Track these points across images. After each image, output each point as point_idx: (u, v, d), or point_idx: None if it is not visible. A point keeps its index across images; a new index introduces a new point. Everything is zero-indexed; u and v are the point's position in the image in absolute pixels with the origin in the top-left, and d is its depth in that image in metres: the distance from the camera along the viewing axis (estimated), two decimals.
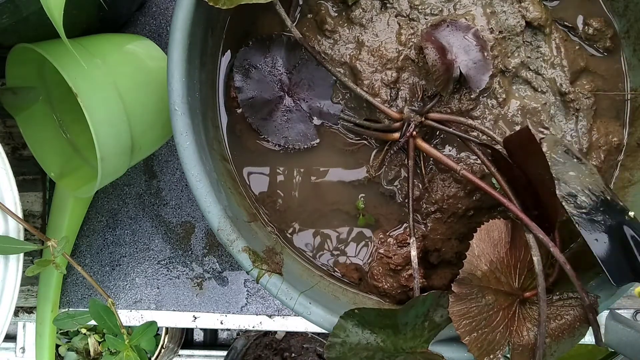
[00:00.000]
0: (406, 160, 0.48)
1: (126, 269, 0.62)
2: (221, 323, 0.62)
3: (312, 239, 0.51)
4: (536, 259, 0.41)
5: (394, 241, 0.50)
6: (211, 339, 1.01)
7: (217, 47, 0.50)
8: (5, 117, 0.58)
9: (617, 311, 0.58)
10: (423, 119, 0.46)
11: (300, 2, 0.50)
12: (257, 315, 0.62)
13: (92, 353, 0.82)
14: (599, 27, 0.49)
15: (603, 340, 0.42)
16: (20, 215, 0.44)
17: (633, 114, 0.50)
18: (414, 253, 0.46)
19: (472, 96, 0.48)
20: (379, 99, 0.48)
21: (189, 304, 0.62)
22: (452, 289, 0.41)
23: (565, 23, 0.50)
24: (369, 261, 0.51)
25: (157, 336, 0.81)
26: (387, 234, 0.50)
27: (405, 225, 0.50)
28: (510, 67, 0.48)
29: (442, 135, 0.49)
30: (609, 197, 0.29)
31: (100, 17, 0.54)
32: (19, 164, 0.60)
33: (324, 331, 0.44)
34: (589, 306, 0.41)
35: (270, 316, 0.62)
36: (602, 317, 0.57)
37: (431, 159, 0.49)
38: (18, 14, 0.42)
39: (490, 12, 0.48)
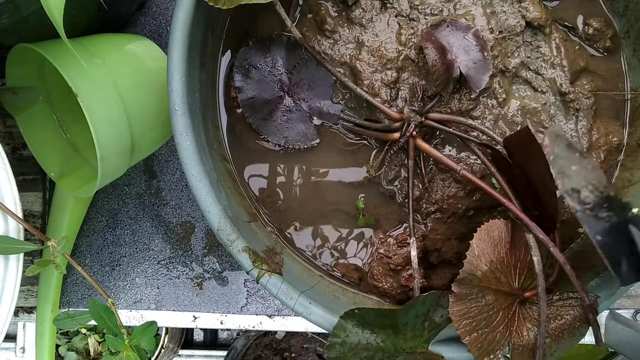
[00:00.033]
0: (406, 160, 0.48)
1: (126, 269, 0.62)
2: (221, 323, 0.62)
3: (312, 239, 0.51)
4: (536, 259, 0.41)
5: (394, 241, 0.50)
6: (211, 339, 1.01)
7: (217, 47, 0.50)
8: (5, 117, 0.58)
9: (617, 311, 0.58)
10: (423, 119, 0.46)
11: (300, 2, 0.50)
12: (257, 315, 0.62)
13: (92, 353, 0.82)
14: (599, 27, 0.49)
15: (603, 340, 0.42)
16: (20, 215, 0.44)
17: (633, 114, 0.50)
18: (414, 253, 0.46)
19: (472, 96, 0.48)
20: (379, 99, 0.48)
21: (189, 304, 0.62)
22: (452, 289, 0.41)
23: (565, 23, 0.50)
24: (369, 261, 0.51)
25: (157, 336, 0.81)
26: (387, 234, 0.50)
27: (405, 225, 0.50)
28: (510, 67, 0.48)
29: (442, 135, 0.49)
30: (612, 193, 0.29)
31: (100, 17, 0.54)
32: (19, 164, 0.60)
33: (324, 331, 0.44)
34: (589, 306, 0.41)
35: (270, 316, 0.62)
36: (602, 317, 0.57)
37: (431, 159, 0.49)
38: (18, 14, 0.42)
39: (490, 12, 0.48)
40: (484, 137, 0.47)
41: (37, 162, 0.57)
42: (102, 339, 0.82)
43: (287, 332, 0.91)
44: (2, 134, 0.59)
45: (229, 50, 0.51)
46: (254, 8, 0.44)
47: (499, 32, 0.48)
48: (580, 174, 0.27)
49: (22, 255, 0.45)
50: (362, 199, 0.50)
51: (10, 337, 0.63)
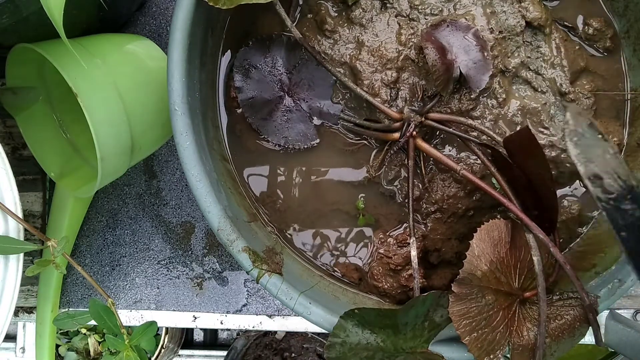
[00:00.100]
0: (406, 160, 0.48)
1: (126, 269, 0.62)
2: (221, 323, 0.62)
3: (312, 239, 0.51)
4: (536, 259, 0.41)
5: (394, 241, 0.50)
6: (211, 339, 1.01)
7: (217, 47, 0.50)
8: (5, 117, 0.58)
9: (617, 311, 0.58)
10: (423, 119, 0.46)
11: (300, 2, 0.50)
12: (257, 315, 0.62)
13: (92, 353, 0.82)
14: (599, 27, 0.49)
15: (603, 340, 0.42)
16: (20, 215, 0.44)
17: (633, 114, 0.50)
18: (414, 253, 0.46)
19: (472, 96, 0.48)
20: (379, 99, 0.48)
21: (189, 304, 0.62)
22: (452, 289, 0.41)
23: (565, 23, 0.50)
24: (369, 261, 0.51)
25: (157, 336, 0.81)
26: (387, 234, 0.50)
27: (405, 225, 0.50)
28: (510, 67, 0.48)
29: (442, 135, 0.49)
30: (634, 184, 0.27)
31: (100, 17, 0.54)
32: (19, 164, 0.60)
33: (324, 331, 0.44)
34: (589, 306, 0.41)
35: (270, 316, 0.62)
36: (602, 317, 0.57)
37: (431, 159, 0.49)
38: (18, 14, 0.42)
39: (490, 12, 0.48)
40: (484, 137, 0.47)
41: (37, 162, 0.57)
42: (102, 339, 0.82)
43: (287, 332, 0.91)
44: (2, 134, 0.59)
45: (229, 50, 0.51)
46: (254, 8, 0.44)
47: (499, 32, 0.48)
48: (603, 159, 0.25)
49: (22, 255, 0.45)
50: (362, 199, 0.50)
51: (10, 337, 0.63)
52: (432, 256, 0.50)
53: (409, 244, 0.48)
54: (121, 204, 0.62)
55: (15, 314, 0.63)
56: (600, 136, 0.29)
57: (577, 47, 0.49)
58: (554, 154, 0.48)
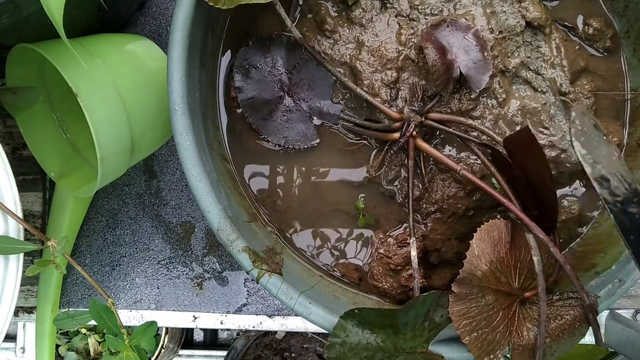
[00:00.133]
0: (406, 160, 0.48)
1: (126, 269, 0.62)
2: (221, 323, 0.62)
3: (312, 239, 0.51)
4: (536, 259, 0.41)
5: (394, 241, 0.50)
6: (211, 339, 1.01)
7: (217, 47, 0.50)
8: (5, 117, 0.58)
9: (617, 311, 0.58)
10: (423, 119, 0.46)
11: (300, 2, 0.50)
12: (257, 315, 0.62)
13: (92, 353, 0.82)
14: (599, 27, 0.49)
15: (603, 340, 0.42)
16: (20, 215, 0.44)
17: (633, 114, 0.50)
18: (414, 253, 0.46)
19: (472, 96, 0.48)
20: (379, 99, 0.48)
21: (189, 304, 0.62)
22: (452, 289, 0.41)
23: (565, 23, 0.50)
24: (369, 261, 0.51)
25: (157, 336, 0.81)
26: (387, 234, 0.50)
27: (405, 225, 0.50)
28: (510, 67, 0.48)
29: (442, 135, 0.49)
30: (639, 187, 0.27)
31: (100, 17, 0.54)
32: (19, 164, 0.60)
33: (324, 331, 0.44)
34: (589, 306, 0.41)
35: (270, 316, 0.62)
36: (602, 317, 0.57)
37: (431, 159, 0.49)
38: (18, 14, 0.42)
39: (490, 12, 0.48)
40: (484, 137, 0.47)
41: (37, 162, 0.57)
42: (102, 339, 0.82)
43: (287, 332, 0.91)
44: (2, 134, 0.59)
45: (229, 50, 0.51)
46: (254, 8, 0.44)
47: (499, 32, 0.48)
48: (609, 160, 0.25)
49: (22, 255, 0.45)
50: (362, 199, 0.50)
51: (10, 337, 0.63)
52: (432, 256, 0.50)
53: (409, 244, 0.48)
54: (121, 204, 0.62)
55: (15, 314, 0.63)
56: (605, 139, 0.29)
57: (577, 47, 0.49)
58: (554, 154, 0.48)
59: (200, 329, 1.00)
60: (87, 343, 0.82)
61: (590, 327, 0.42)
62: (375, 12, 0.49)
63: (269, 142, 0.50)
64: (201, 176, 0.41)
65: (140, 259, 0.62)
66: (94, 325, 0.81)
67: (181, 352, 0.93)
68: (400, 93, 0.48)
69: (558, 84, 0.49)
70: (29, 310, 0.63)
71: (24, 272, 0.45)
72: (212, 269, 0.62)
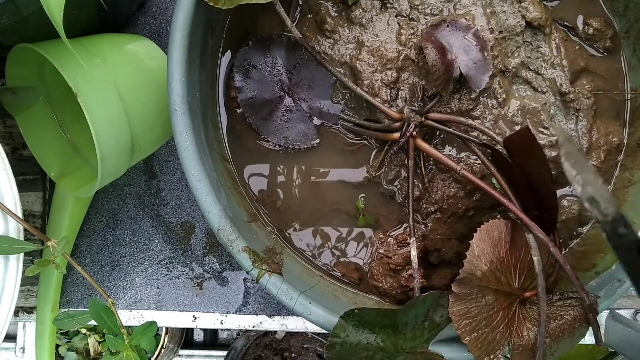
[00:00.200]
0: (406, 160, 0.48)
1: (126, 269, 0.62)
2: (221, 323, 0.62)
3: (312, 239, 0.51)
4: (536, 259, 0.41)
5: (394, 241, 0.50)
6: (211, 339, 1.01)
7: (217, 47, 0.50)
8: (5, 117, 0.58)
9: (617, 311, 0.58)
10: (423, 119, 0.46)
11: (300, 2, 0.50)
12: (257, 315, 0.62)
13: (92, 353, 0.82)
14: (599, 27, 0.49)
15: (603, 340, 0.42)
16: (20, 215, 0.44)
17: (633, 114, 0.50)
18: (414, 253, 0.46)
19: (472, 96, 0.48)
20: (379, 99, 0.48)
21: (189, 304, 0.62)
22: (452, 289, 0.41)
23: (565, 23, 0.50)
24: (369, 261, 0.51)
25: (157, 336, 0.81)
26: (387, 234, 0.50)
27: (405, 225, 0.50)
28: (510, 67, 0.48)
29: (442, 135, 0.49)
30: (622, 212, 0.28)
31: (100, 17, 0.54)
32: (19, 164, 0.60)
33: (324, 331, 0.44)
34: (589, 306, 0.41)
35: (270, 316, 0.62)
36: (602, 317, 0.57)
37: (431, 159, 0.49)
38: (18, 14, 0.42)
39: (490, 12, 0.48)
40: (484, 137, 0.47)
41: (37, 162, 0.57)
42: (102, 339, 0.82)
43: (287, 332, 0.91)
44: (2, 134, 0.59)
45: (229, 50, 0.51)
46: (254, 8, 0.44)
47: (499, 32, 0.48)
48: (597, 182, 0.26)
49: (22, 255, 0.45)
50: (362, 199, 0.50)
51: (10, 337, 0.63)
52: (432, 256, 0.50)
53: (409, 244, 0.48)
54: (121, 204, 0.62)
55: (15, 314, 0.63)
56: (589, 163, 0.29)
57: (577, 47, 0.49)
58: (554, 154, 0.48)
59: (200, 329, 1.00)
60: (87, 343, 0.82)
61: (590, 327, 0.42)
62: (375, 12, 0.49)
63: (269, 142, 0.50)
64: (201, 176, 0.41)
65: (140, 259, 0.62)
66: (94, 325, 0.81)
67: (181, 352, 0.93)
68: (400, 93, 0.48)
69: (558, 84, 0.49)
70: (29, 310, 0.63)
71: (24, 272, 0.45)
72: (212, 269, 0.62)
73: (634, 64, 0.50)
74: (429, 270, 0.51)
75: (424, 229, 0.50)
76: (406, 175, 0.49)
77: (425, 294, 0.41)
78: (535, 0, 0.48)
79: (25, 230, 0.45)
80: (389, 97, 0.48)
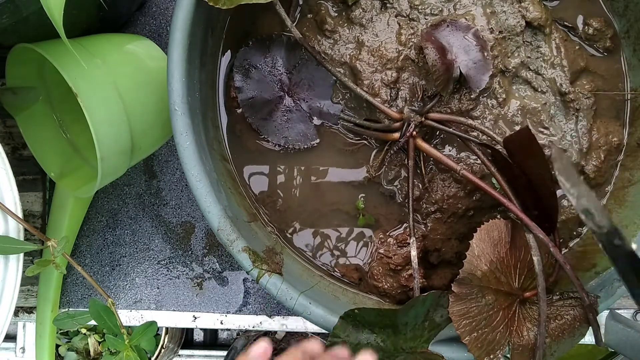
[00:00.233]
0: (406, 160, 0.48)
1: (126, 269, 0.62)
2: (221, 323, 0.62)
3: (312, 239, 0.51)
4: (536, 259, 0.41)
5: (394, 241, 0.50)
6: (211, 339, 1.00)
7: (217, 47, 0.50)
8: (5, 117, 0.58)
9: (617, 311, 0.58)
10: (423, 119, 0.46)
11: (300, 2, 0.50)
12: (257, 315, 0.62)
13: (92, 353, 0.82)
14: (599, 27, 0.49)
15: (603, 340, 0.42)
16: (20, 215, 0.44)
17: (633, 114, 0.50)
18: (414, 253, 0.46)
19: (472, 96, 0.48)
20: (379, 99, 0.48)
21: (189, 304, 0.62)
22: (452, 289, 0.41)
23: (565, 23, 0.50)
24: (369, 261, 0.51)
25: (157, 336, 0.81)
26: (387, 234, 0.50)
27: (405, 225, 0.50)
28: (510, 67, 0.48)
29: (442, 135, 0.49)
30: (614, 225, 0.28)
31: (100, 17, 0.54)
32: (19, 164, 0.60)
33: (324, 331, 0.44)
34: (589, 306, 0.41)
35: (270, 316, 0.62)
36: (602, 317, 0.57)
37: (431, 159, 0.49)
38: (18, 14, 0.42)
39: (490, 12, 0.48)
40: (484, 137, 0.47)
41: (37, 162, 0.57)
42: (102, 339, 0.82)
43: (287, 332, 0.91)
44: (2, 134, 0.59)
45: (229, 50, 0.51)
46: (254, 8, 0.44)
47: (499, 32, 0.48)
48: (591, 195, 0.27)
49: (22, 255, 0.45)
50: (362, 199, 0.50)
51: (10, 337, 0.63)
52: (432, 256, 0.50)
53: (409, 244, 0.48)
54: (121, 204, 0.62)
55: (15, 314, 0.63)
56: (581, 178, 0.30)
57: (577, 47, 0.49)
58: None
59: (200, 329, 1.00)
60: (87, 343, 0.82)
61: (590, 327, 0.42)
62: (375, 12, 0.49)
63: (269, 142, 0.50)
64: (201, 176, 0.41)
65: (140, 259, 0.62)
66: (94, 325, 0.81)
67: (181, 352, 0.93)
68: (400, 93, 0.48)
69: (558, 84, 0.49)
70: (29, 310, 0.63)
71: (24, 272, 0.45)
72: (212, 269, 0.62)
73: (634, 64, 0.50)
74: (429, 270, 0.51)
75: (424, 229, 0.50)
76: (406, 175, 0.49)
77: (425, 294, 0.41)
78: (535, 0, 0.48)
79: (25, 230, 0.45)
80: (389, 97, 0.48)
